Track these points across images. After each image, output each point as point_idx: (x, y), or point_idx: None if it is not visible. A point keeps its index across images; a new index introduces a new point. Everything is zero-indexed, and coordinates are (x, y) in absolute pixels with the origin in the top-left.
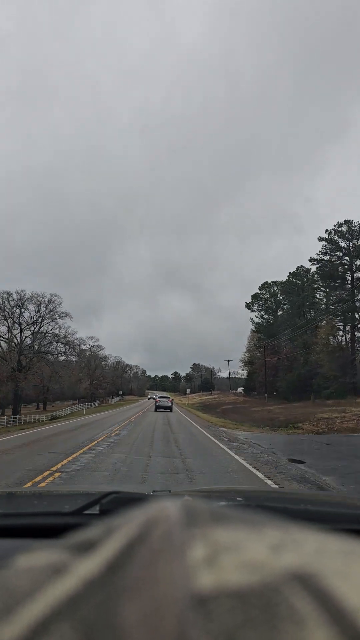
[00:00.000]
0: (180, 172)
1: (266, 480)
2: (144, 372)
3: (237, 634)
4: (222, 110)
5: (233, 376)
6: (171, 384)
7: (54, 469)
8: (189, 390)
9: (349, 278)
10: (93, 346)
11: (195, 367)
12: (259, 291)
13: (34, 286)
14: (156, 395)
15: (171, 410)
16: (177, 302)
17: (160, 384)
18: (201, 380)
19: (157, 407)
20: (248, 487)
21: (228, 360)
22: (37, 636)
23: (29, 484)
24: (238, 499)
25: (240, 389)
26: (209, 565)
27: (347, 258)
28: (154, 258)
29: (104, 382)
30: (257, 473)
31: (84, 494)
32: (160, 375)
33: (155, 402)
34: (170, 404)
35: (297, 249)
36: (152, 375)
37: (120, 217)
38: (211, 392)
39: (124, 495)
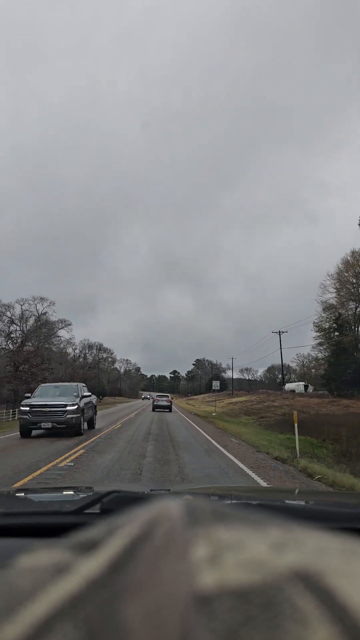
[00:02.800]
0: (182, 153)
1: None
2: (138, 369)
3: (240, 632)
4: (229, 81)
5: (240, 376)
6: (169, 384)
7: None
8: (216, 384)
9: None
10: (44, 313)
11: (198, 363)
12: None
13: (22, 277)
14: (144, 397)
15: (170, 410)
16: (175, 297)
17: (157, 384)
18: (210, 377)
19: (155, 407)
20: (249, 486)
21: (279, 332)
22: (40, 635)
23: None
24: (240, 497)
25: (291, 386)
26: (212, 564)
27: None
28: (152, 250)
29: (34, 369)
30: None
31: (85, 493)
32: (157, 375)
33: (153, 400)
34: (169, 404)
35: (309, 240)
36: (148, 375)
37: (117, 203)
38: (232, 392)
39: (125, 494)
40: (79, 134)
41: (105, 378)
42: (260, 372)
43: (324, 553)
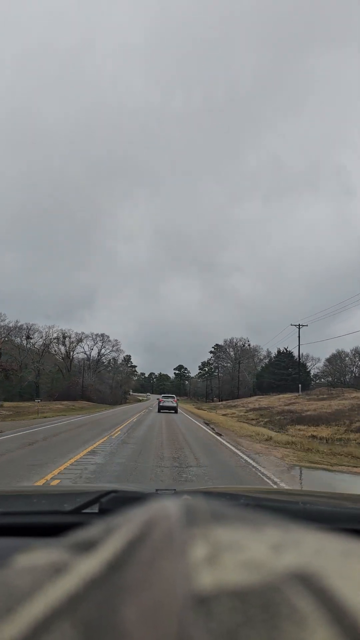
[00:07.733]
0: (194, 97)
1: None
2: (128, 358)
3: (238, 633)
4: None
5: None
6: (173, 384)
7: None
8: None
9: None
10: None
11: (219, 350)
12: None
13: (3, 266)
14: None
15: (176, 412)
16: (181, 288)
17: (157, 384)
18: (273, 359)
19: (161, 408)
20: (249, 486)
21: None
22: (38, 635)
23: None
24: (238, 498)
25: None
26: (210, 565)
27: None
28: (156, 229)
29: None
30: None
31: (83, 493)
32: (157, 374)
33: (159, 401)
34: (175, 404)
35: (344, 215)
36: (147, 374)
37: (114, 167)
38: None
39: (123, 494)
40: (66, 78)
41: (51, 366)
42: (321, 361)
43: (322, 554)
